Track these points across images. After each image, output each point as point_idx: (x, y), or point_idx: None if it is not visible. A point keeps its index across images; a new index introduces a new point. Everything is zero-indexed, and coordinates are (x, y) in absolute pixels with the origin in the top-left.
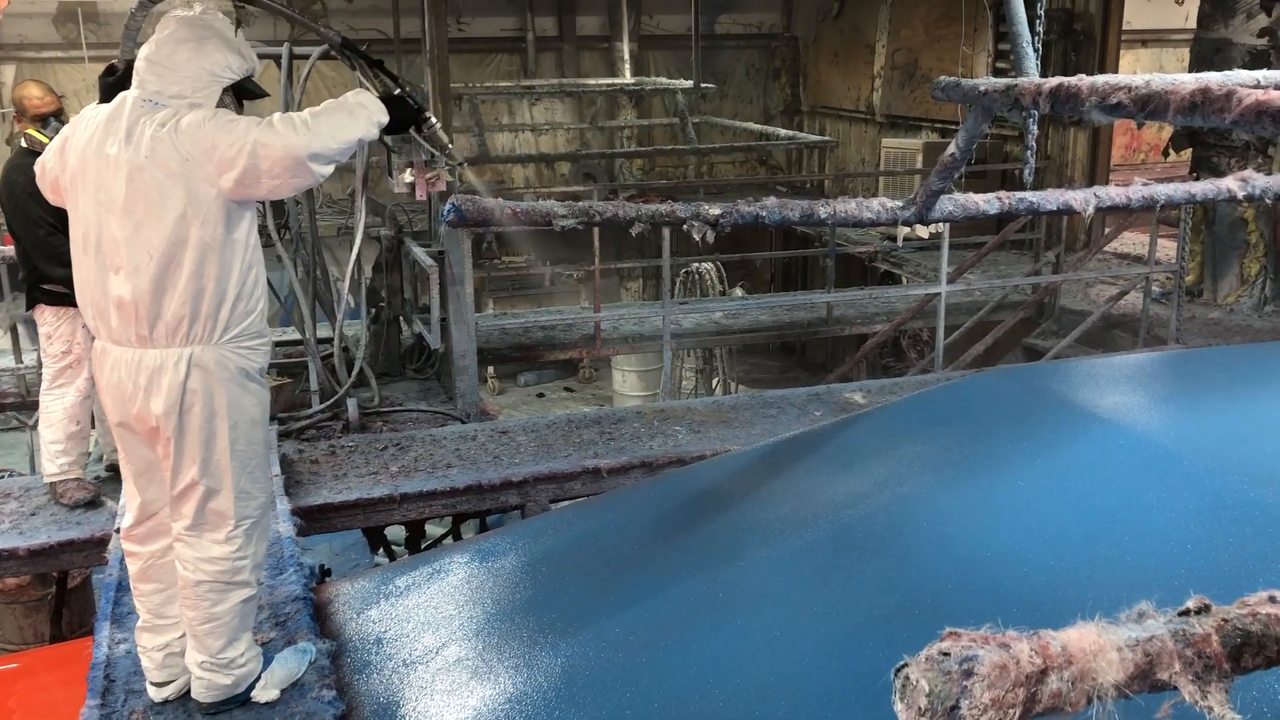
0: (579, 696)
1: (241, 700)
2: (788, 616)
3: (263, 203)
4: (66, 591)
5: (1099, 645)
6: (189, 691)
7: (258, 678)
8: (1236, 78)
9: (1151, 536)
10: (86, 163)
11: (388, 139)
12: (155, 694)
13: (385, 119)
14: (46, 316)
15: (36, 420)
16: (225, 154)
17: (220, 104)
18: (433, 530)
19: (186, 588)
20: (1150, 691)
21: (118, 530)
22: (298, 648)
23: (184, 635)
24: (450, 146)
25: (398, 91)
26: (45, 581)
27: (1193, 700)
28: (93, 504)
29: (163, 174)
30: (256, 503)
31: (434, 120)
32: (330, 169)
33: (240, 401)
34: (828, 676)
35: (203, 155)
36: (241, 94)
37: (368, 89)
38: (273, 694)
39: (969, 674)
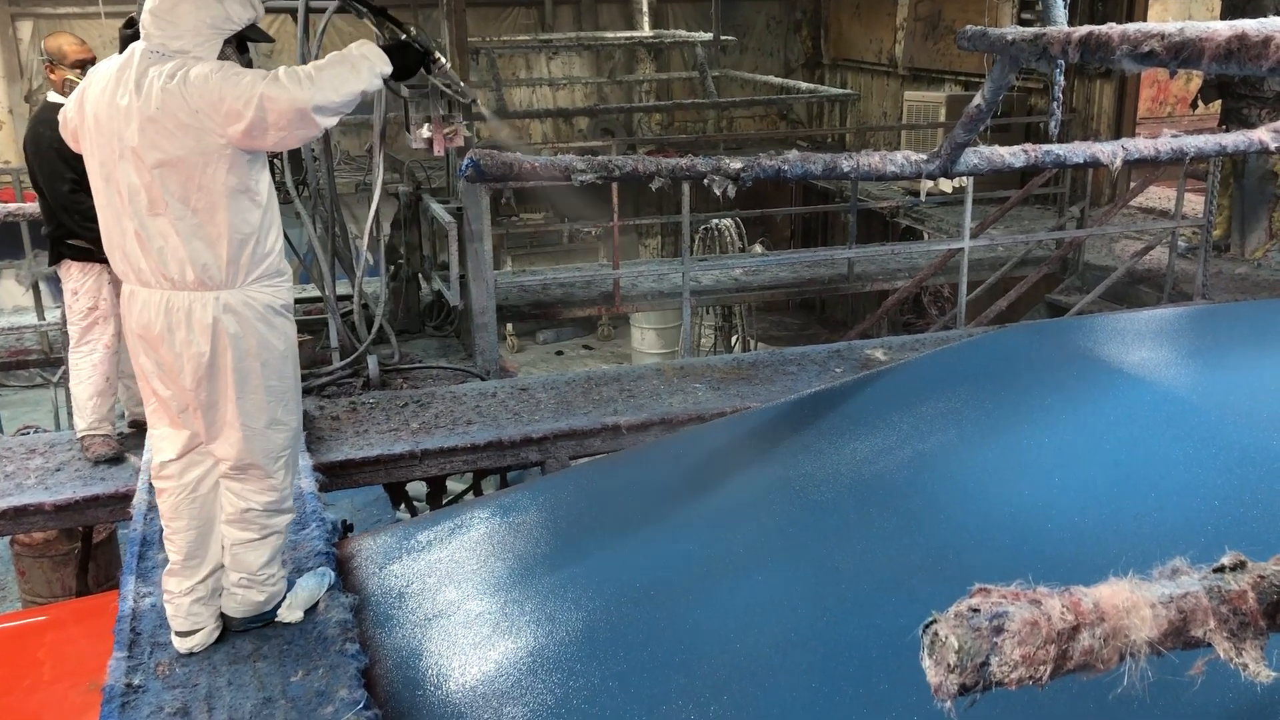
0: (600, 651)
1: (268, 619)
2: (809, 572)
3: (279, 158)
4: (92, 546)
5: (1132, 602)
6: (214, 642)
7: (283, 599)
8: (1272, 24)
9: (1179, 492)
10: (100, 113)
11: (403, 89)
12: (180, 644)
13: (388, 69)
14: (73, 272)
15: (61, 377)
16: (233, 106)
17: (222, 55)
18: (454, 486)
19: (236, 513)
20: (1184, 648)
21: (147, 471)
22: (317, 571)
23: (205, 580)
24: (463, 85)
25: (403, 38)
26: (71, 536)
27: (1228, 657)
28: (116, 460)
29: (173, 125)
30: (291, 432)
31: (443, 60)
32: (334, 120)
33: (269, 340)
34: (850, 631)
35: (210, 107)
36: (244, 41)
37: (374, 39)
38: (297, 614)
39: (999, 630)
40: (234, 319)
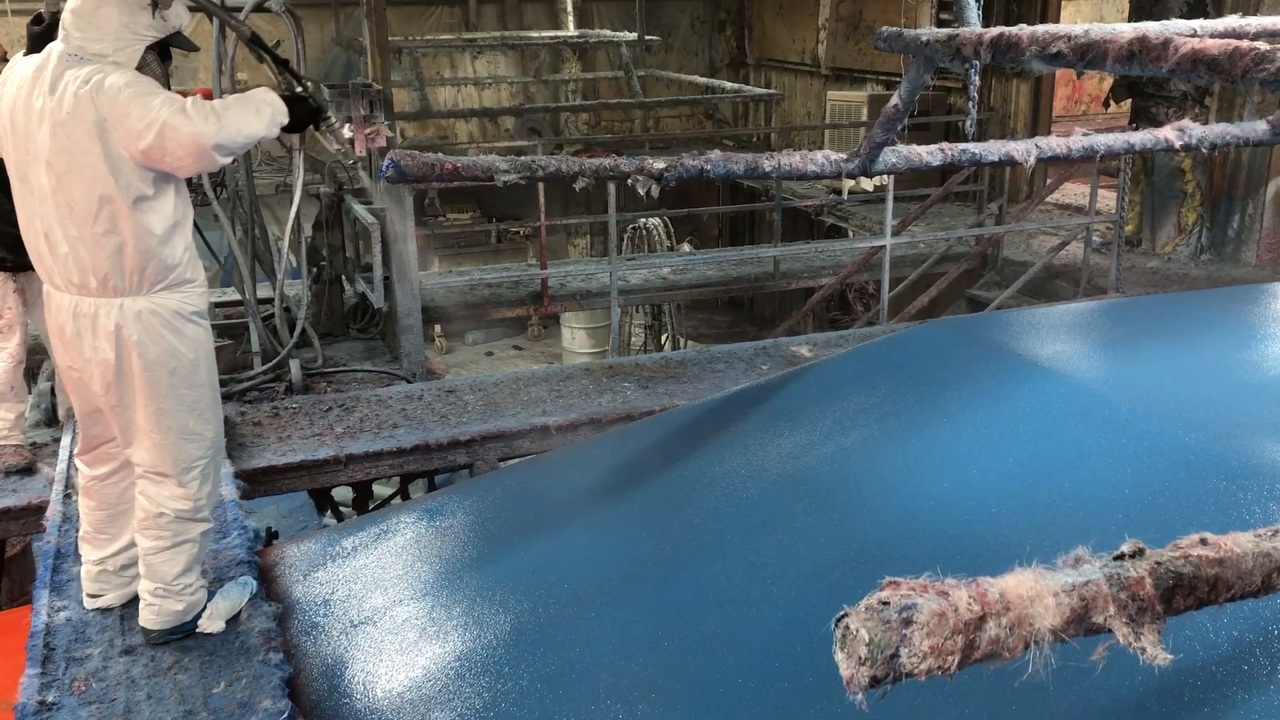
0: (528, 653)
1: (189, 630)
2: (735, 568)
3: None
4: (5, 560)
5: (1036, 591)
6: (133, 655)
7: (203, 609)
8: (1174, 27)
9: (1090, 482)
10: (16, 114)
11: (324, 90)
12: (89, 603)
13: (287, 120)
14: None
15: None
16: (135, 126)
17: (143, 62)
18: (381, 490)
19: (148, 518)
20: (1086, 635)
21: (62, 482)
22: (238, 581)
23: (117, 554)
24: (347, 148)
25: (299, 90)
26: None
27: (1127, 642)
28: (28, 471)
29: (82, 131)
30: (206, 442)
31: (333, 119)
32: (229, 159)
33: (177, 348)
34: (774, 626)
35: (117, 119)
36: (167, 49)
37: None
38: (219, 625)
39: (908, 622)
40: (139, 326)
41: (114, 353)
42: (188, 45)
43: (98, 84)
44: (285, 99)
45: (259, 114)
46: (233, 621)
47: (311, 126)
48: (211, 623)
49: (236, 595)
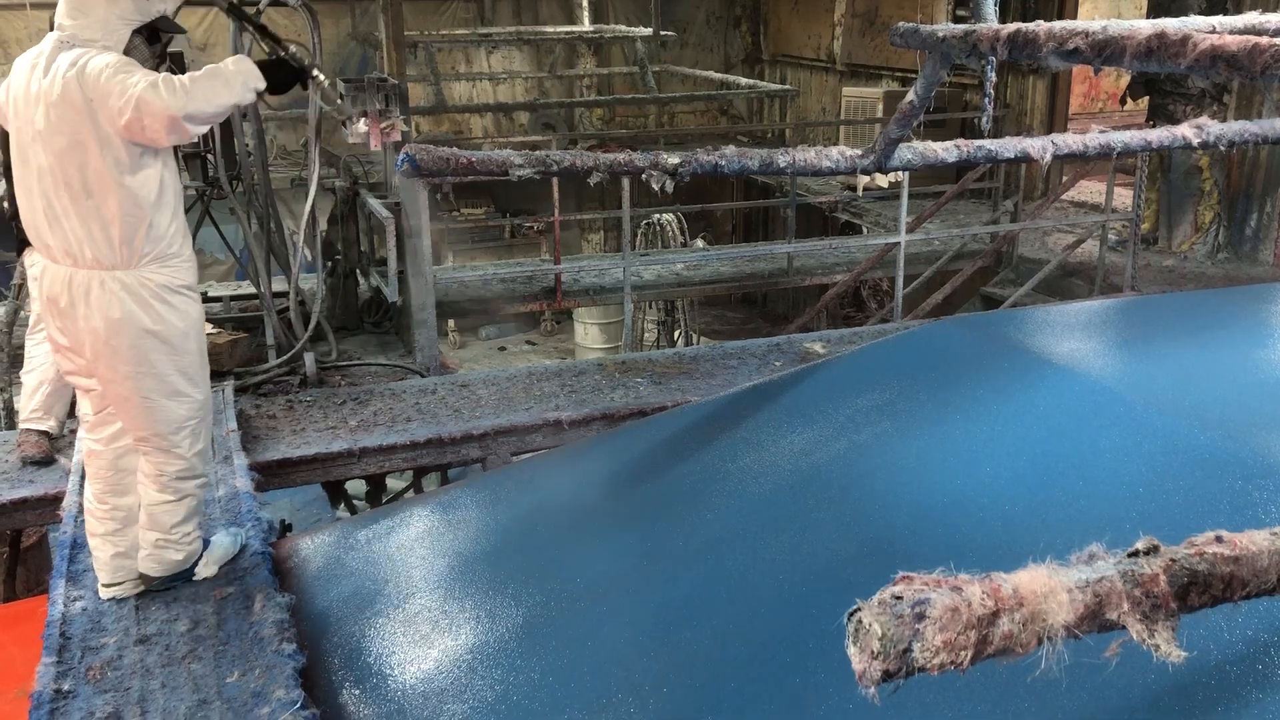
0: (540, 646)
1: (187, 578)
2: (747, 564)
3: (212, 153)
4: (21, 550)
5: (1050, 587)
6: (148, 644)
7: (199, 558)
8: (1192, 23)
9: (1104, 480)
10: (18, 98)
11: (340, 84)
12: (105, 593)
13: (262, 85)
14: (35, 258)
15: None
16: (115, 104)
17: (130, 45)
18: (394, 484)
19: (150, 479)
20: (1099, 631)
21: (77, 473)
22: (229, 530)
23: (120, 533)
24: (340, 102)
25: (280, 55)
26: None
27: (1140, 639)
28: (45, 463)
29: (72, 111)
30: (196, 404)
31: (321, 77)
32: (205, 127)
33: (167, 318)
34: (786, 622)
35: (100, 99)
36: (155, 33)
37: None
38: (211, 570)
39: (921, 617)
40: (130, 298)
41: (103, 323)
42: (174, 28)
43: (82, 68)
44: (263, 64)
45: (228, 84)
46: (247, 612)
47: (303, 87)
48: (206, 569)
49: (228, 543)
